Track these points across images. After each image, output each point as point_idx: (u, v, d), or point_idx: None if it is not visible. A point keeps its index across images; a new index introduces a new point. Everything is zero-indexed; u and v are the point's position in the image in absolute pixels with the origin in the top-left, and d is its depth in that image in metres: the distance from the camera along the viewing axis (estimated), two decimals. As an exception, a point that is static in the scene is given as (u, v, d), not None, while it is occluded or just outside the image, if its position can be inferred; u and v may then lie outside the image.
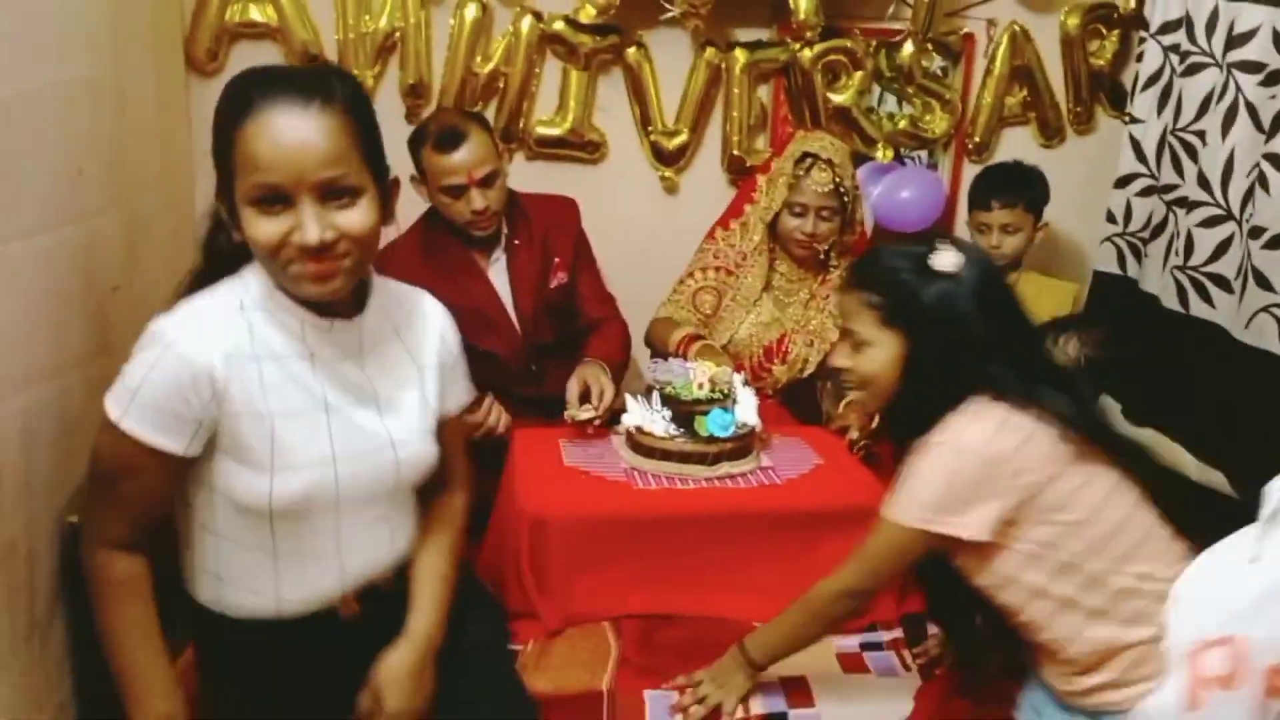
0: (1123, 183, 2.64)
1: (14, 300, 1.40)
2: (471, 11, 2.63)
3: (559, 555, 1.84)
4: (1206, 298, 2.35)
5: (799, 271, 2.46)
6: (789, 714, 1.64)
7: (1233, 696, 1.32)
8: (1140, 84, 2.59)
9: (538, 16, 2.65)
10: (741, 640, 1.64)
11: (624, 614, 1.85)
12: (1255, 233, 2.18)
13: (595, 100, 2.76)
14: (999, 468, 1.43)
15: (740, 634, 1.67)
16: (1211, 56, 2.36)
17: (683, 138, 2.79)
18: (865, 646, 1.83)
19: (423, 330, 1.47)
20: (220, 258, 1.37)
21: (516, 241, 2.37)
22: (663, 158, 2.81)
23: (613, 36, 2.68)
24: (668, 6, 2.58)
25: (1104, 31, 2.86)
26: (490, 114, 2.65)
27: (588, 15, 2.62)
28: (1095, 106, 2.92)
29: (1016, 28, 2.80)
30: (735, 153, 2.80)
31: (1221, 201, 2.30)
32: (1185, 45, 2.43)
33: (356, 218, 1.26)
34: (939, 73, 2.84)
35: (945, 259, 1.51)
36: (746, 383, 2.13)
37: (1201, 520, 1.55)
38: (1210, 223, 2.33)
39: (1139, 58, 2.62)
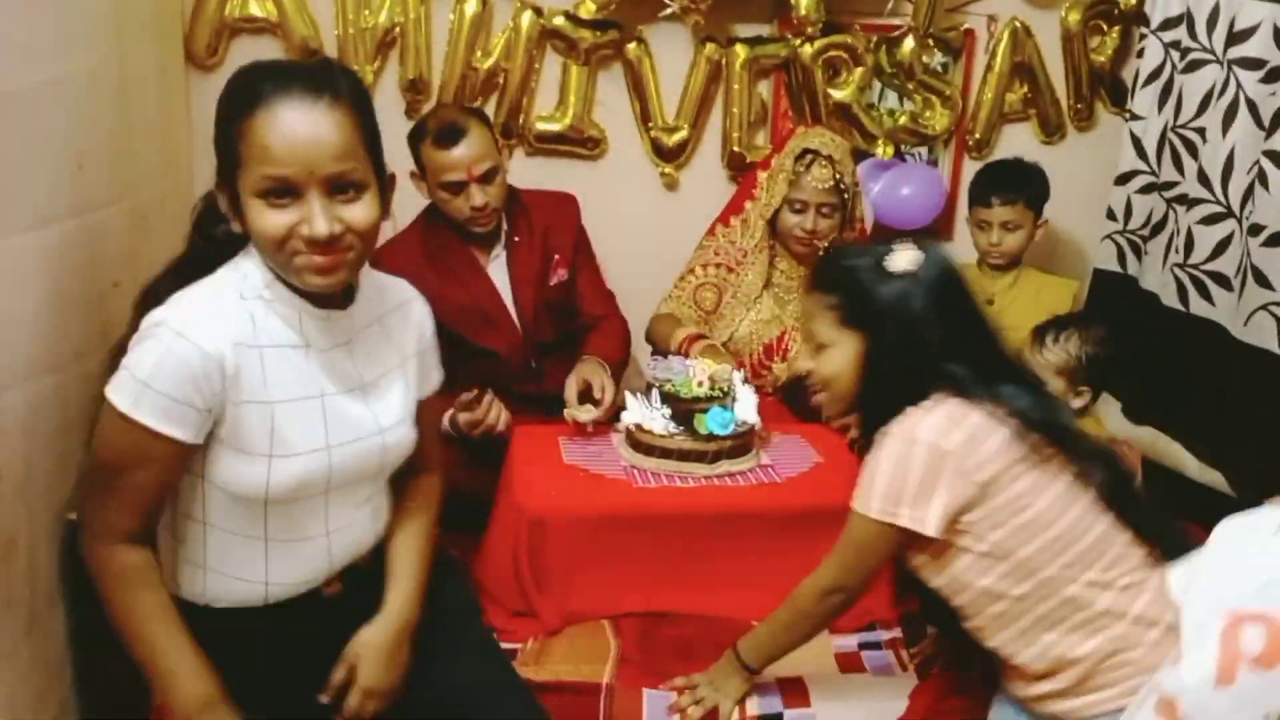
0: (1123, 180, 2.64)
1: (16, 294, 1.41)
2: (471, 6, 2.62)
3: (558, 553, 1.85)
4: (1206, 295, 2.35)
5: (799, 269, 2.45)
6: (784, 714, 1.64)
7: (1268, 675, 1.28)
8: (1141, 80, 2.58)
9: (538, 11, 2.64)
10: (735, 644, 1.65)
11: (623, 612, 1.85)
12: (1254, 230, 2.18)
13: (595, 96, 2.75)
14: (948, 459, 1.43)
15: (740, 632, 1.67)
16: (1212, 53, 2.36)
17: (683, 134, 2.78)
18: (864, 646, 1.83)
19: (404, 319, 1.51)
20: (212, 246, 1.39)
21: (516, 238, 2.37)
22: (663, 154, 2.81)
23: (613, 32, 2.67)
24: (667, 2, 2.58)
25: (1105, 27, 2.85)
26: (490, 109, 2.64)
27: (588, 10, 2.62)
28: (1096, 103, 2.91)
29: (1017, 24, 2.80)
30: (735, 149, 2.79)
31: (1222, 199, 2.30)
32: (1186, 42, 2.43)
33: (361, 212, 1.29)
34: (939, 69, 2.84)
35: (901, 259, 1.52)
36: (746, 380, 2.13)
37: (1201, 519, 1.54)
38: (1210, 220, 2.33)
39: (1140, 54, 2.62)
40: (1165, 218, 2.51)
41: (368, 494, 1.48)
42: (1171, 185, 2.48)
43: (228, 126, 1.27)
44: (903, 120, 2.85)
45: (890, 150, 2.84)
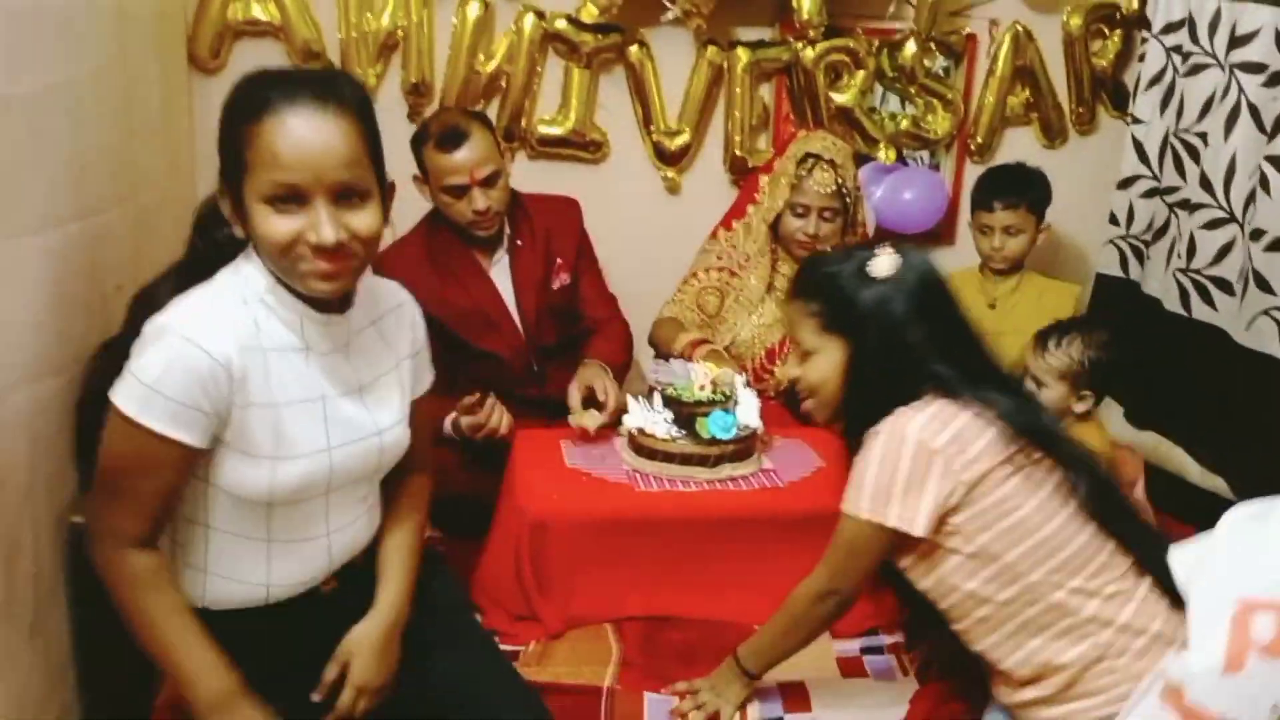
0: (1125, 184, 2.64)
1: (19, 297, 1.41)
2: (474, 10, 2.63)
3: (560, 557, 1.84)
4: (1209, 300, 2.35)
5: (801, 273, 2.45)
6: (785, 719, 1.65)
7: (1278, 663, 1.28)
8: (1143, 85, 2.59)
9: (540, 15, 2.64)
10: (735, 650, 1.65)
11: (625, 616, 1.85)
12: (1256, 235, 2.18)
13: (597, 99, 2.75)
14: (936, 457, 1.43)
15: (742, 637, 1.67)
16: (1214, 57, 2.36)
17: (684, 137, 2.79)
18: (866, 650, 1.83)
19: (398, 321, 1.53)
20: (213, 250, 1.40)
21: (519, 242, 2.37)
22: (664, 157, 2.81)
23: (615, 35, 2.67)
24: (669, 6, 2.58)
25: (1106, 32, 2.85)
26: (492, 113, 2.64)
27: (590, 14, 2.62)
28: (1098, 107, 2.91)
29: (1019, 28, 2.80)
30: (737, 153, 2.79)
31: (1224, 204, 2.30)
32: (1188, 46, 2.43)
33: (366, 220, 1.31)
34: (941, 73, 2.84)
35: (879, 264, 1.53)
36: (748, 384, 2.13)
37: (1203, 524, 1.54)
38: (1212, 225, 2.33)
39: (1141, 58, 2.62)
40: (1167, 222, 2.51)
41: (364, 493, 1.50)
42: (1173, 190, 2.48)
43: (234, 132, 1.28)
44: (904, 124, 2.85)
45: (892, 154, 2.84)
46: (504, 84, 2.68)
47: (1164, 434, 2.50)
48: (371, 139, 1.32)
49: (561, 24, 2.65)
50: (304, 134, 1.25)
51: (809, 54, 2.71)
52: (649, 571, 1.86)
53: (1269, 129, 2.18)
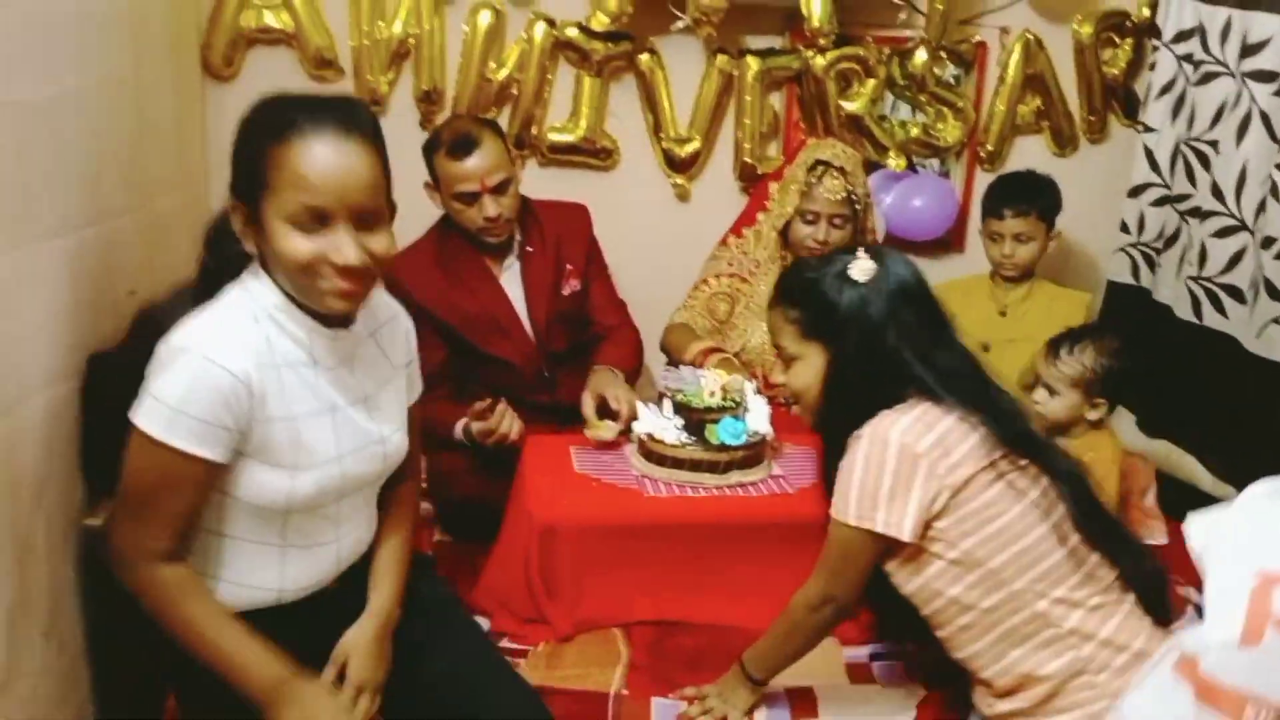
0: (1136, 192, 2.64)
1: (34, 302, 1.42)
2: (485, 18, 2.64)
3: (569, 562, 1.85)
4: (1220, 308, 2.35)
5: (811, 279, 2.45)
6: (792, 725, 1.65)
7: None
8: (1154, 93, 2.59)
9: (551, 23, 2.66)
10: (741, 657, 1.65)
11: (634, 621, 1.85)
12: (1267, 243, 2.18)
13: (608, 107, 2.76)
14: (920, 461, 1.43)
15: (751, 643, 1.67)
16: (1225, 66, 2.36)
17: (695, 145, 2.79)
18: (875, 656, 1.83)
19: (393, 333, 1.57)
20: (224, 266, 1.42)
21: (529, 248, 2.38)
22: (675, 165, 2.82)
23: (625, 43, 2.68)
24: (679, 15, 2.59)
25: (1117, 40, 2.85)
26: (503, 121, 2.65)
27: (600, 22, 2.63)
28: (1108, 115, 2.91)
29: (1029, 36, 2.80)
30: (747, 160, 2.80)
31: (1235, 212, 2.30)
32: (1199, 54, 2.43)
33: (383, 242, 1.35)
34: (952, 81, 2.84)
35: (858, 268, 1.53)
36: (758, 391, 2.13)
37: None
38: (1224, 233, 2.32)
39: (1152, 67, 2.62)
40: (1178, 230, 2.51)
41: (367, 497, 1.55)
42: (1184, 198, 2.48)
43: (256, 150, 1.31)
44: (915, 132, 2.85)
45: (902, 162, 2.84)
46: (515, 92, 2.69)
47: (1175, 442, 2.49)
48: (385, 164, 1.36)
49: (572, 32, 2.66)
50: (331, 159, 1.28)
51: (819, 62, 2.72)
52: (657, 577, 1.86)
53: (1280, 137, 2.18)
